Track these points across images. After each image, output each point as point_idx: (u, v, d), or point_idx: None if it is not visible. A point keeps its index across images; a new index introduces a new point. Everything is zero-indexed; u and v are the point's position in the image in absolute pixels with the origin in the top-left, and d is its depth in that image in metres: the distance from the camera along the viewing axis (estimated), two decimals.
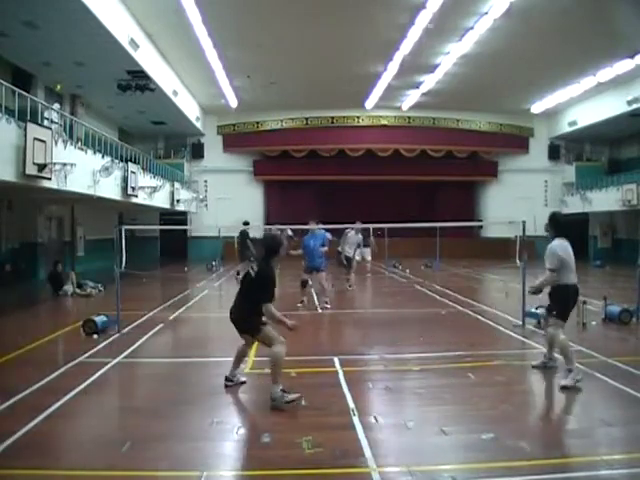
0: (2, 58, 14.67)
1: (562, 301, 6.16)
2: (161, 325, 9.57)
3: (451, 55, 18.19)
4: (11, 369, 6.65)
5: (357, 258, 19.31)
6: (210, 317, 11.37)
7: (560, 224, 6.43)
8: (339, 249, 14.80)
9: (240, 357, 6.03)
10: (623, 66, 18.24)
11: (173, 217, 25.42)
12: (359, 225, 13.93)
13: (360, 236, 14.95)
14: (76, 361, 6.93)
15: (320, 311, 10.97)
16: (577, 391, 5.71)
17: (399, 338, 8.56)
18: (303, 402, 5.30)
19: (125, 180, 16.35)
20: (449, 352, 7.41)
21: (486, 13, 14.76)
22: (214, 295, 14.53)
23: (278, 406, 5.14)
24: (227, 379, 5.95)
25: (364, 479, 3.83)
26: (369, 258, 21.00)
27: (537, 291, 6.41)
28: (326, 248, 11.36)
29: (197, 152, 27.80)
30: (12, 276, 16.04)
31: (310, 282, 11.69)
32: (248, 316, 5.54)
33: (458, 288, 14.39)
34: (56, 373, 6.34)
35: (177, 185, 22.72)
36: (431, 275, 18.27)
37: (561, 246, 6.21)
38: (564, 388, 5.73)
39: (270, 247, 5.60)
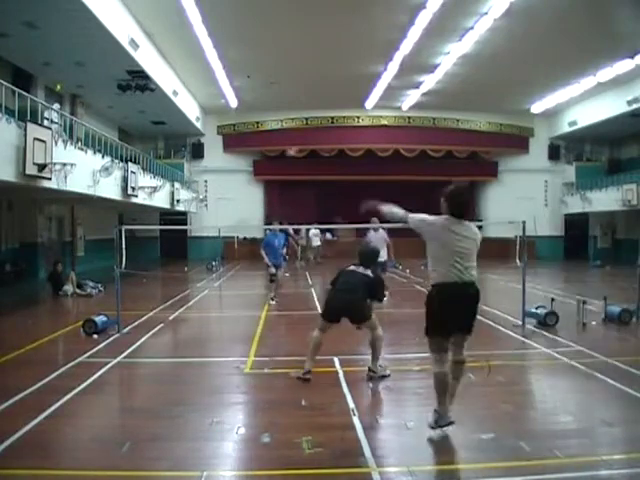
0: (2, 58, 14.66)
1: (428, 309, 4.51)
2: (161, 325, 9.57)
3: (451, 55, 18.18)
4: (11, 369, 6.65)
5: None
6: (210, 317, 11.38)
7: (453, 201, 4.59)
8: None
9: (319, 347, 6.24)
10: (623, 66, 18.23)
11: (173, 217, 25.42)
12: (376, 224, 11.33)
13: (383, 232, 12.38)
14: (76, 361, 6.93)
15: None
16: (577, 391, 5.70)
17: (399, 338, 8.55)
18: (303, 402, 5.30)
19: (125, 180, 16.35)
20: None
21: (486, 13, 14.75)
22: (214, 295, 14.53)
23: (377, 377, 6.07)
24: (307, 373, 6.02)
25: (364, 479, 3.83)
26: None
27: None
28: (285, 250, 12.49)
29: (197, 152, 27.79)
30: (12, 276, 16.04)
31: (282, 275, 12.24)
32: (363, 307, 6.28)
33: None
34: (56, 373, 6.34)
35: (177, 185, 22.71)
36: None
37: (441, 220, 4.53)
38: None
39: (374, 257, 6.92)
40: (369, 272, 6.42)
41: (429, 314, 4.43)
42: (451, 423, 4.39)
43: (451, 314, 4.36)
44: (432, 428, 4.41)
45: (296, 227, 15.78)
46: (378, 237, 12.11)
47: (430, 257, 4.50)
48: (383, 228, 12.04)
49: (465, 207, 4.60)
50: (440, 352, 4.41)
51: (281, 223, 13.91)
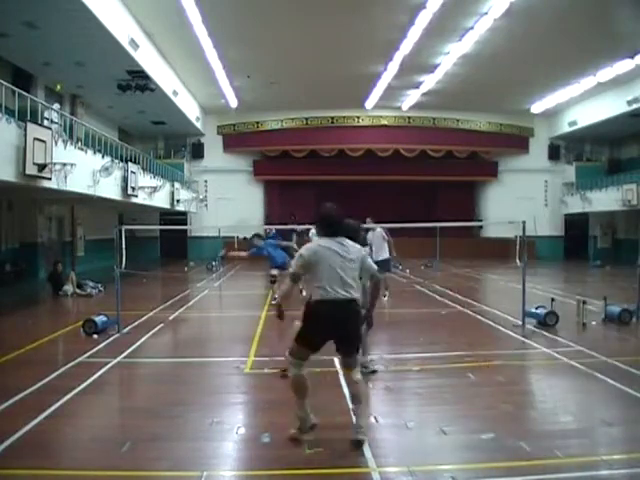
0: (2, 58, 14.66)
1: (304, 323, 4.43)
2: (161, 325, 9.57)
3: (451, 55, 18.19)
4: (11, 369, 6.65)
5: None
6: (210, 317, 11.38)
7: (327, 222, 4.61)
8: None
9: None
10: (623, 66, 18.23)
11: (173, 217, 25.42)
12: (370, 224, 11.58)
13: (380, 230, 12.06)
14: (76, 361, 6.93)
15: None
16: (577, 391, 5.70)
17: (399, 338, 8.56)
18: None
19: (125, 180, 16.35)
20: (449, 352, 7.41)
21: (486, 13, 14.75)
22: (214, 295, 14.53)
23: (367, 372, 6.07)
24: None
25: (364, 479, 3.83)
26: None
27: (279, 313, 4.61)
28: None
29: (197, 152, 27.79)
30: (12, 276, 16.04)
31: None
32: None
33: (458, 288, 14.39)
34: (56, 373, 6.34)
35: (177, 185, 22.72)
36: (431, 275, 18.27)
37: (314, 247, 4.51)
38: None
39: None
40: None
41: (304, 326, 4.41)
42: (313, 426, 4.33)
43: (323, 329, 4.35)
44: (294, 439, 4.30)
45: (290, 227, 15.47)
46: (376, 236, 11.91)
47: (311, 274, 4.43)
48: (382, 227, 11.99)
49: (336, 226, 4.56)
50: (300, 359, 4.39)
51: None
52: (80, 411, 5.26)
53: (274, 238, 11.74)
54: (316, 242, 4.60)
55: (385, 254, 11.84)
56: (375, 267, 4.66)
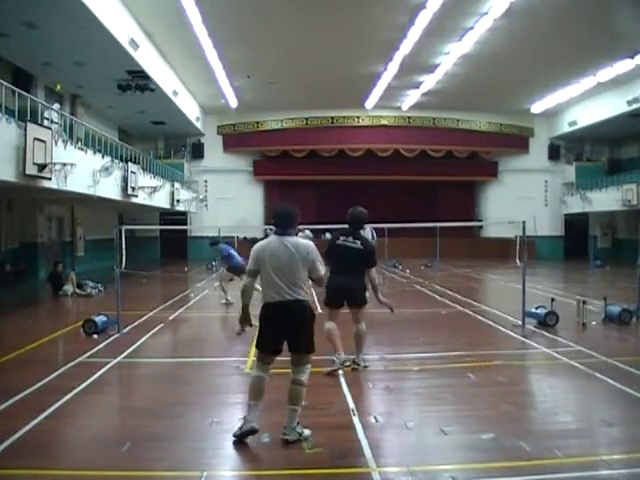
0: (2, 58, 14.66)
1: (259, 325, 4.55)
2: (161, 325, 9.57)
3: (451, 55, 18.19)
4: (11, 369, 6.65)
5: None
6: (210, 317, 11.38)
7: (275, 217, 4.62)
8: None
9: (338, 335, 6.37)
10: (623, 66, 18.23)
11: (173, 217, 25.42)
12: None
13: (369, 230, 12.46)
14: (76, 361, 6.92)
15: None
16: (577, 391, 5.70)
17: (399, 338, 8.56)
18: (303, 402, 5.29)
19: (125, 180, 16.34)
20: (449, 352, 7.41)
21: (486, 13, 14.75)
22: (214, 295, 14.51)
23: (360, 368, 6.35)
24: (344, 363, 6.28)
25: (364, 479, 3.83)
26: None
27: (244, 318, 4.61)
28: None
29: (197, 152, 27.79)
30: (12, 276, 16.04)
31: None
32: (363, 290, 6.47)
33: (458, 288, 14.39)
34: (56, 373, 6.34)
35: (177, 185, 22.71)
36: (431, 275, 18.27)
37: (263, 244, 4.52)
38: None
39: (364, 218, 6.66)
40: (359, 243, 6.33)
41: (259, 330, 4.53)
42: (252, 431, 4.33)
43: (272, 332, 4.43)
44: (234, 436, 4.36)
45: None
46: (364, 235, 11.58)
47: (260, 277, 4.49)
48: (372, 228, 11.74)
49: (283, 222, 4.50)
50: (263, 361, 4.53)
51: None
52: (80, 411, 5.26)
53: (227, 244, 12.59)
54: (266, 240, 4.57)
55: None
56: (321, 271, 4.53)
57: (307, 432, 4.40)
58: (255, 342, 4.56)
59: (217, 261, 19.66)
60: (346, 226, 6.63)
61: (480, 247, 26.94)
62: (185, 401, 5.46)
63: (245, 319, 4.59)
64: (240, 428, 4.37)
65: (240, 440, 4.35)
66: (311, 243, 4.55)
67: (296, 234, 4.73)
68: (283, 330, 4.41)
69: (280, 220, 4.52)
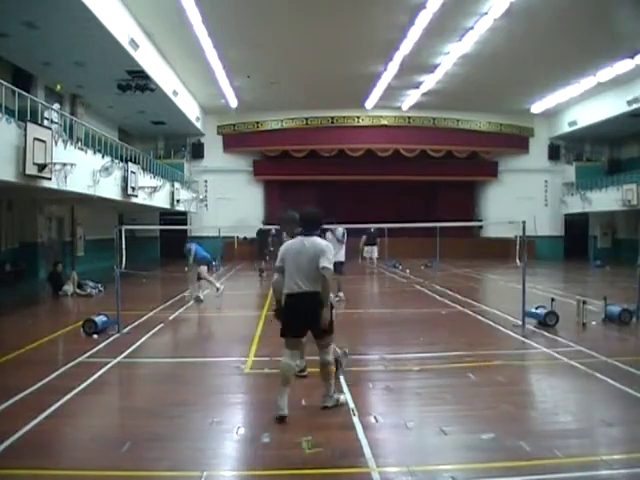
0: (2, 58, 14.66)
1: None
2: (161, 325, 9.57)
3: (451, 55, 18.19)
4: (11, 369, 6.65)
5: (366, 255, 19.70)
6: (210, 317, 11.37)
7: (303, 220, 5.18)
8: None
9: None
10: (623, 66, 18.23)
11: (173, 217, 25.41)
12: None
13: (341, 232, 12.05)
14: (76, 361, 6.92)
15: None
16: (577, 391, 5.70)
17: (399, 338, 8.56)
18: (303, 402, 5.30)
19: (125, 180, 16.34)
20: (449, 352, 7.41)
21: (486, 13, 14.75)
22: (214, 295, 14.50)
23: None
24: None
25: (364, 479, 3.83)
26: (376, 255, 20.59)
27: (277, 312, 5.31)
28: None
29: (197, 152, 27.79)
30: (12, 276, 16.04)
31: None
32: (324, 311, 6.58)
33: (458, 288, 14.39)
34: (56, 373, 6.34)
35: (177, 185, 22.71)
36: (431, 275, 18.27)
37: (289, 244, 5.15)
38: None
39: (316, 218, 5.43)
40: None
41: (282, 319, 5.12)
42: (282, 417, 4.75)
43: (292, 318, 5.00)
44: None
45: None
46: (331, 237, 11.51)
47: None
48: (345, 230, 11.65)
49: (307, 224, 5.13)
50: (289, 347, 5.02)
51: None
52: (80, 411, 5.26)
53: (193, 243, 13.35)
54: (291, 240, 5.22)
55: (339, 257, 11.31)
56: (324, 263, 4.91)
57: (343, 398, 5.21)
58: (280, 332, 5.04)
59: (217, 261, 19.69)
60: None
61: (480, 247, 26.94)
62: (185, 401, 5.46)
63: (278, 311, 5.22)
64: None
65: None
66: (328, 243, 5.13)
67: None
68: (303, 317, 4.95)
69: (305, 222, 5.14)
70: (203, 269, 12.85)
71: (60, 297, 13.39)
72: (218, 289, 12.66)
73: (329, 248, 5.03)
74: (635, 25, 15.45)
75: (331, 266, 4.98)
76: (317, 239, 5.05)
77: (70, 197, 14.50)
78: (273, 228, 13.08)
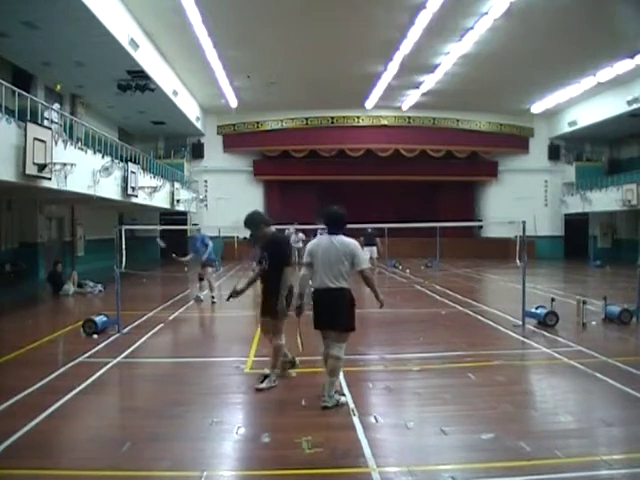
0: (2, 58, 14.66)
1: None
2: (161, 325, 9.57)
3: (451, 55, 18.19)
4: (11, 369, 6.65)
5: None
6: (210, 317, 11.37)
7: (329, 219, 5.32)
8: None
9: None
10: (623, 66, 18.24)
11: (173, 217, 25.40)
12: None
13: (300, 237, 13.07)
14: (76, 361, 6.92)
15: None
16: (577, 391, 5.69)
17: (399, 338, 8.55)
18: (303, 402, 5.30)
19: (125, 180, 16.35)
20: (449, 352, 7.41)
21: (486, 13, 14.76)
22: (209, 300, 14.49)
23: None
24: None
25: (364, 479, 3.83)
26: (375, 255, 20.59)
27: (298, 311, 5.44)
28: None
29: (197, 152, 27.79)
30: (12, 276, 16.04)
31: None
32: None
33: (458, 288, 14.39)
34: (56, 373, 6.34)
35: (177, 185, 22.72)
36: (431, 275, 18.27)
37: (316, 242, 5.33)
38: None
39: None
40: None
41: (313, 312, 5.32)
42: (341, 403, 5.16)
43: (320, 311, 5.23)
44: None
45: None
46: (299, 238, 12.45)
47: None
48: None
49: (333, 223, 5.31)
50: (323, 336, 5.31)
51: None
52: (80, 411, 5.26)
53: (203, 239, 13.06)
54: (318, 238, 5.42)
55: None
56: (362, 265, 5.23)
57: (343, 399, 5.23)
58: (313, 325, 5.28)
59: (217, 261, 19.67)
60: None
61: (480, 247, 26.95)
62: (185, 401, 5.46)
63: (299, 305, 5.39)
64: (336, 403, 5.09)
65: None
66: (354, 241, 5.24)
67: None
68: (328, 311, 5.15)
69: (330, 221, 5.29)
70: (210, 271, 12.80)
71: (60, 297, 13.39)
72: (214, 297, 12.30)
73: (358, 247, 5.22)
74: (635, 25, 15.46)
75: (367, 264, 5.38)
76: (345, 238, 5.20)
77: (70, 197, 14.50)
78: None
